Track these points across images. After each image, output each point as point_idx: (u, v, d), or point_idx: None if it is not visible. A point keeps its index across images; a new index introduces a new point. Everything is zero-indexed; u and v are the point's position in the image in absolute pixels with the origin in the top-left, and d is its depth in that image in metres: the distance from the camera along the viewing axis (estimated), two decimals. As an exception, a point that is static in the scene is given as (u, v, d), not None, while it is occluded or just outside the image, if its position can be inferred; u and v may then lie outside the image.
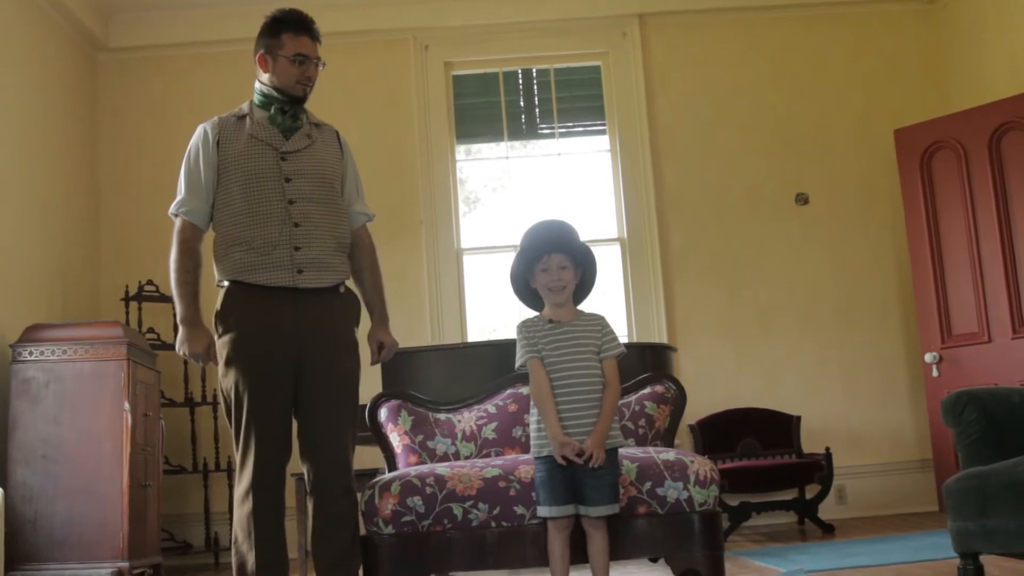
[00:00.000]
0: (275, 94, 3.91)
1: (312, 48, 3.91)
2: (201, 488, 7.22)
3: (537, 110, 8.14)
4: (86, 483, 5.74)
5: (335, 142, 4.04)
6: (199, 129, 3.93)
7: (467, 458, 4.30)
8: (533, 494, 3.73)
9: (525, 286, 3.79)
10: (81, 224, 7.48)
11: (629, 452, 3.93)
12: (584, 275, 3.76)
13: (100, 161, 7.83)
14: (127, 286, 7.24)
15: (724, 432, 7.20)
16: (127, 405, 5.84)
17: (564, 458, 3.53)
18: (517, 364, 3.74)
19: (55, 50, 7.26)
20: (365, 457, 5.97)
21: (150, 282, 7.25)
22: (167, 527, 6.89)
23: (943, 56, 8.01)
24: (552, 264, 3.69)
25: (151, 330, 7.18)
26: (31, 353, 5.89)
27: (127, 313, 7.17)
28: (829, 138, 7.95)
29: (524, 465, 3.84)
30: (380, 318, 4.05)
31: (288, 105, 3.91)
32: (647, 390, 4.44)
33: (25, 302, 6.50)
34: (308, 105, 4.02)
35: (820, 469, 6.82)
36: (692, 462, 3.84)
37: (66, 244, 7.19)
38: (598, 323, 3.70)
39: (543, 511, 3.62)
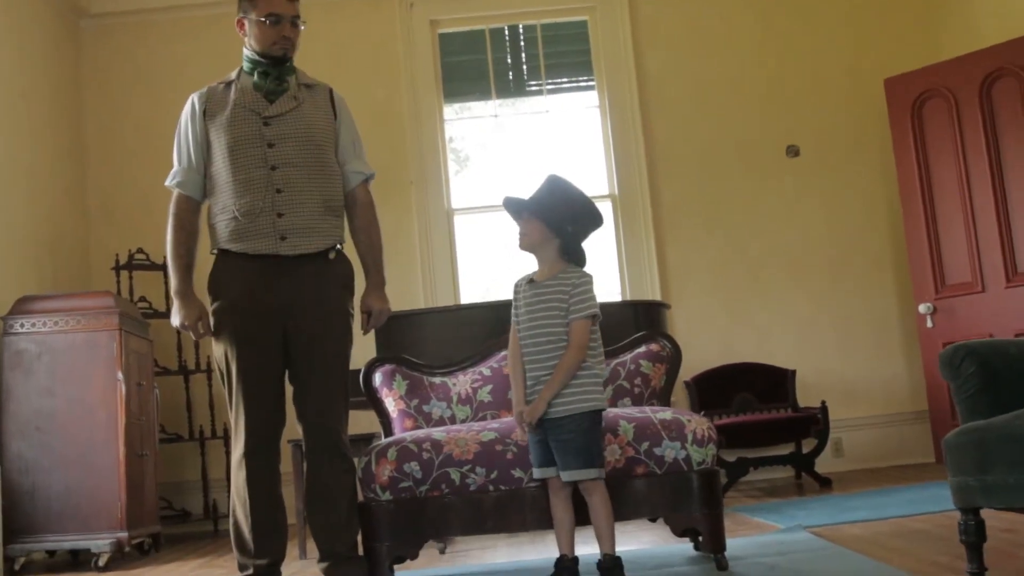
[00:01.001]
0: (258, 58, 3.87)
1: (286, 6, 3.84)
2: (198, 456, 7.22)
3: (525, 67, 8.06)
4: (82, 454, 5.73)
5: (326, 102, 3.98)
6: (188, 100, 3.93)
7: (463, 421, 4.29)
8: (530, 456, 3.73)
9: None
10: (69, 193, 7.42)
11: (626, 412, 3.92)
12: (557, 229, 3.61)
13: (86, 128, 7.75)
14: (117, 255, 7.19)
15: (719, 388, 7.19)
16: (120, 375, 5.82)
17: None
18: None
19: (36, 16, 7.16)
20: (362, 422, 5.98)
21: (140, 250, 7.19)
22: (165, 496, 6.89)
23: (933, 3, 7.94)
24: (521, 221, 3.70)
25: (143, 299, 7.14)
26: (22, 325, 5.86)
27: (118, 282, 7.12)
28: (819, 89, 7.89)
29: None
30: (374, 281, 4.01)
31: (272, 68, 3.86)
32: (642, 348, 4.42)
33: (15, 273, 6.45)
34: (296, 65, 3.97)
35: (816, 423, 6.82)
36: (689, 421, 3.83)
37: (54, 213, 7.13)
38: (570, 282, 3.60)
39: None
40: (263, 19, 3.81)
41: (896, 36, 7.91)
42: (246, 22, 3.87)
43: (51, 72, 7.33)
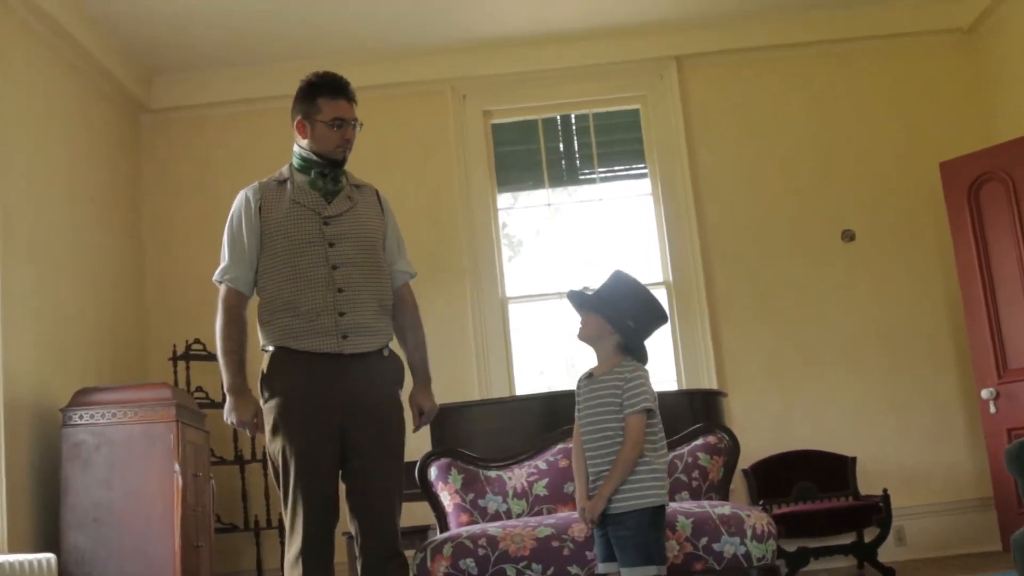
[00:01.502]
0: (314, 158, 3.91)
1: (349, 110, 3.91)
2: (253, 546, 7.20)
3: (577, 156, 8.11)
4: (138, 546, 5.73)
5: (375, 202, 4.03)
6: (240, 195, 3.94)
7: (519, 516, 4.26)
8: (587, 552, 3.69)
9: None
10: (128, 284, 7.52)
11: (684, 507, 3.87)
12: (618, 325, 3.63)
13: (145, 220, 7.88)
14: (175, 345, 7.27)
15: (778, 476, 7.07)
16: (177, 467, 5.84)
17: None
18: None
19: (100, 114, 7.33)
20: (416, 513, 5.94)
21: (197, 340, 7.27)
22: (220, 587, 6.88)
23: (985, 85, 7.90)
24: None
25: (199, 389, 7.19)
26: (81, 417, 5.91)
27: (175, 372, 7.19)
28: (873, 173, 7.85)
29: (577, 523, 3.80)
30: (422, 380, 4.03)
31: (328, 168, 3.91)
32: (699, 441, 4.38)
33: (75, 364, 6.52)
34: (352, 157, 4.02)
35: (878, 511, 6.68)
36: (748, 516, 3.77)
37: (114, 305, 7.23)
38: (623, 377, 3.60)
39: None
40: (328, 123, 3.86)
41: (949, 119, 7.87)
42: (307, 124, 3.92)
43: (113, 165, 7.48)
